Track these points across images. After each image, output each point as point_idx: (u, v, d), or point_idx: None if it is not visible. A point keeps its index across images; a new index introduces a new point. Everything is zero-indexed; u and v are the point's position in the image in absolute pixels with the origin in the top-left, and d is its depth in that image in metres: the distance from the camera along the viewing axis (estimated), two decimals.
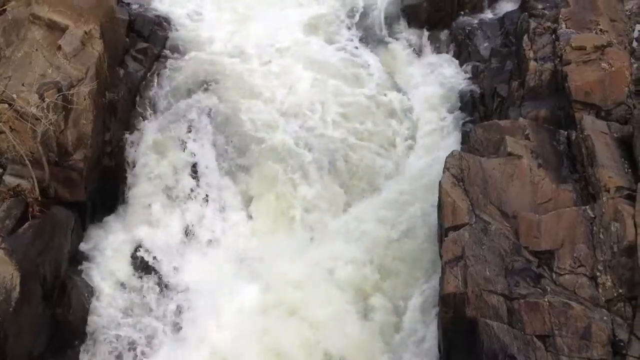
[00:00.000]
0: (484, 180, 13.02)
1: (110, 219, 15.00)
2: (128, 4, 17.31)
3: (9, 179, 13.29)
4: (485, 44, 17.56)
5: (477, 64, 17.34)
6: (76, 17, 14.70)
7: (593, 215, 12.12)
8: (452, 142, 15.95)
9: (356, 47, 18.51)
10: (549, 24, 15.91)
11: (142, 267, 14.56)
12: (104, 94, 14.80)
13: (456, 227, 12.44)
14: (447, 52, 18.32)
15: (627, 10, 16.00)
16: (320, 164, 15.77)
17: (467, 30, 18.08)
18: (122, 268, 14.43)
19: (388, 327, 13.56)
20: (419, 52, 18.60)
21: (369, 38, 18.74)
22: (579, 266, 11.86)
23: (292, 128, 16.20)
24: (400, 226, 14.60)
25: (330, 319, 13.59)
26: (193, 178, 15.43)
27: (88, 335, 13.66)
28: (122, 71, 15.62)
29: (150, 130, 15.66)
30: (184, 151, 15.58)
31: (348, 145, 16.19)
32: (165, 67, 16.64)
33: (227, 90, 16.58)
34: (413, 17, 18.83)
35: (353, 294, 13.94)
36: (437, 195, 13.19)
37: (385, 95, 17.26)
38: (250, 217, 15.36)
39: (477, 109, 16.52)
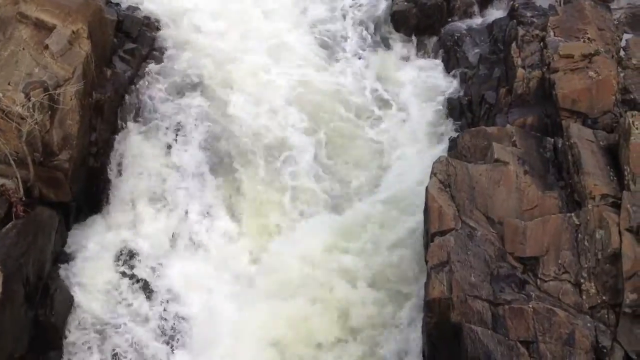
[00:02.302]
0: (470, 186, 13.05)
1: (94, 220, 14.88)
2: (117, 4, 17.23)
3: None
4: (474, 51, 17.61)
5: (465, 70, 17.38)
6: (64, 16, 14.63)
7: (578, 223, 12.16)
8: (439, 148, 15.96)
9: (345, 52, 18.53)
10: (537, 31, 15.98)
11: (126, 269, 14.43)
12: (91, 94, 14.72)
13: (442, 233, 12.47)
14: (436, 58, 18.36)
15: (615, 20, 16.09)
16: (307, 169, 15.76)
17: (455, 37, 18.12)
18: (106, 270, 14.30)
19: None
20: (407, 58, 18.63)
21: (357, 43, 18.75)
22: (563, 273, 11.89)
23: (280, 132, 16.17)
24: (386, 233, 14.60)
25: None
26: (179, 180, 15.35)
27: (70, 337, 13.54)
28: (109, 71, 15.53)
29: (136, 131, 15.59)
30: (170, 153, 15.52)
31: (334, 151, 16.22)
32: (153, 68, 16.56)
33: (216, 92, 16.53)
34: (402, 23, 18.87)
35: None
36: (423, 200, 13.21)
37: (372, 100, 17.27)
38: (236, 220, 15.28)
39: (464, 115, 16.55)
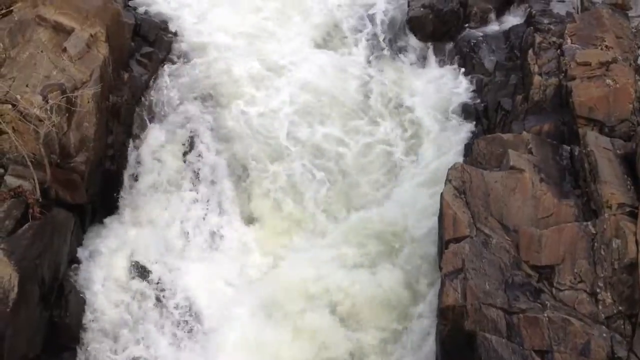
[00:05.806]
0: (485, 193, 13.00)
1: (110, 222, 14.94)
2: (135, 8, 17.34)
3: (10, 180, 13.27)
4: (490, 57, 17.55)
5: (482, 77, 17.33)
6: (82, 19, 14.74)
7: (594, 231, 12.08)
8: (454, 155, 15.92)
9: (360, 58, 18.52)
10: (554, 39, 15.93)
11: (141, 271, 14.50)
12: (108, 98, 14.82)
13: (457, 240, 12.41)
14: (452, 65, 18.30)
15: (633, 28, 16.03)
16: (322, 175, 15.77)
17: (472, 43, 18.08)
18: (121, 271, 14.35)
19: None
20: (423, 64, 18.59)
21: (374, 49, 18.74)
22: (579, 282, 11.82)
23: (292, 139, 16.19)
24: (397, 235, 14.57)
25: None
26: (194, 184, 15.44)
27: (84, 338, 13.61)
28: (126, 75, 15.62)
29: (152, 135, 15.64)
30: (185, 157, 15.62)
31: (349, 155, 16.19)
32: (170, 73, 16.65)
33: (231, 97, 16.56)
34: (418, 28, 18.82)
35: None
36: (438, 207, 13.18)
37: (388, 107, 17.27)
38: (251, 224, 15.33)
39: (480, 122, 16.52)
